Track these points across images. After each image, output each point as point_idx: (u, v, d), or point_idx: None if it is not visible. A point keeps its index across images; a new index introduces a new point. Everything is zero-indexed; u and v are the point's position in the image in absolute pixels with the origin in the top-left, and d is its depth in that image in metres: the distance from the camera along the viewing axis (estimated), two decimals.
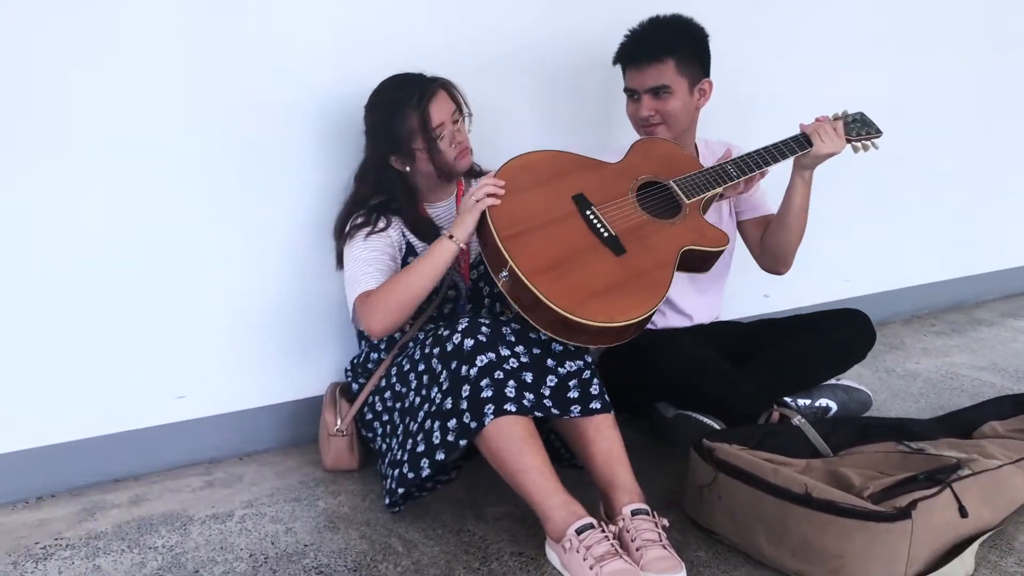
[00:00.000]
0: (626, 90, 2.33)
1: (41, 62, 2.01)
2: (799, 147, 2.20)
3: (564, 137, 2.36)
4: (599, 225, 2.01)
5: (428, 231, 2.15)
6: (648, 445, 2.38)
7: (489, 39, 2.53)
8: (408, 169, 2.09)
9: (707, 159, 2.40)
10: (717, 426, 2.22)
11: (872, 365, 2.91)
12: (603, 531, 1.71)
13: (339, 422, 2.25)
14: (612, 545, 1.69)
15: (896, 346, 3.23)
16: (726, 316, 2.68)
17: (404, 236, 2.16)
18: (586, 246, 1.97)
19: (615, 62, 2.35)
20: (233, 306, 2.34)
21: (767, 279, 2.60)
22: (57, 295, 2.15)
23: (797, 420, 2.14)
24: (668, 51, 2.23)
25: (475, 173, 2.27)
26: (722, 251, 2.10)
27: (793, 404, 2.35)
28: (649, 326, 2.42)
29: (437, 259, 1.97)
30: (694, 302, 2.51)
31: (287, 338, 2.41)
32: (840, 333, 2.39)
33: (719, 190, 2.14)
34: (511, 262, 1.88)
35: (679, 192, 2.11)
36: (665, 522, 1.81)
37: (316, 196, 2.32)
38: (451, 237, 1.96)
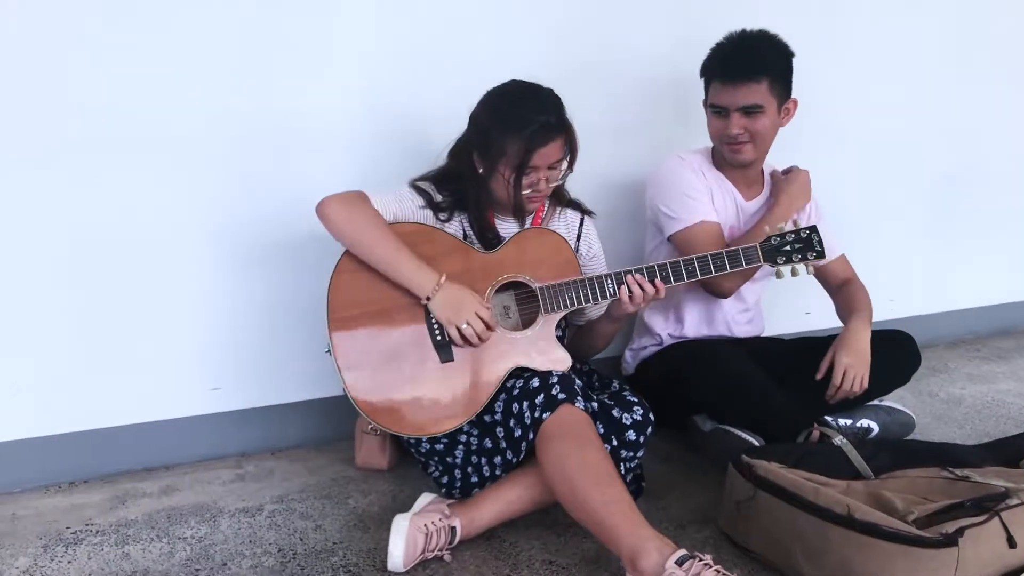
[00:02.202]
0: (712, 106, 2.25)
1: (39, 61, 2.03)
2: (700, 272, 2.02)
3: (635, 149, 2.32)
4: (436, 325, 1.93)
5: (489, 240, 2.07)
6: (683, 458, 2.35)
7: (560, 56, 2.51)
8: (481, 172, 2.01)
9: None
10: (756, 442, 2.17)
11: (915, 388, 2.85)
12: (702, 559, 1.61)
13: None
14: (718, 570, 1.60)
15: (940, 370, 3.16)
16: (767, 332, 2.63)
17: (463, 229, 2.08)
18: (414, 346, 1.92)
19: (702, 75, 2.28)
20: (270, 300, 2.34)
21: (809, 296, 2.55)
22: (99, 282, 2.16)
23: (839, 440, 2.07)
24: (763, 69, 2.17)
25: (569, 203, 2.21)
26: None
27: (834, 423, 2.29)
28: (689, 337, 2.41)
29: (405, 276, 1.91)
30: (742, 329, 2.49)
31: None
32: (885, 354, 2.31)
33: (585, 307, 2.04)
34: (332, 347, 1.89)
35: (541, 301, 1.99)
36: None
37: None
38: (428, 299, 1.91)
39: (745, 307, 2.50)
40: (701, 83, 2.33)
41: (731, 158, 2.29)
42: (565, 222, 2.19)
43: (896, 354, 2.38)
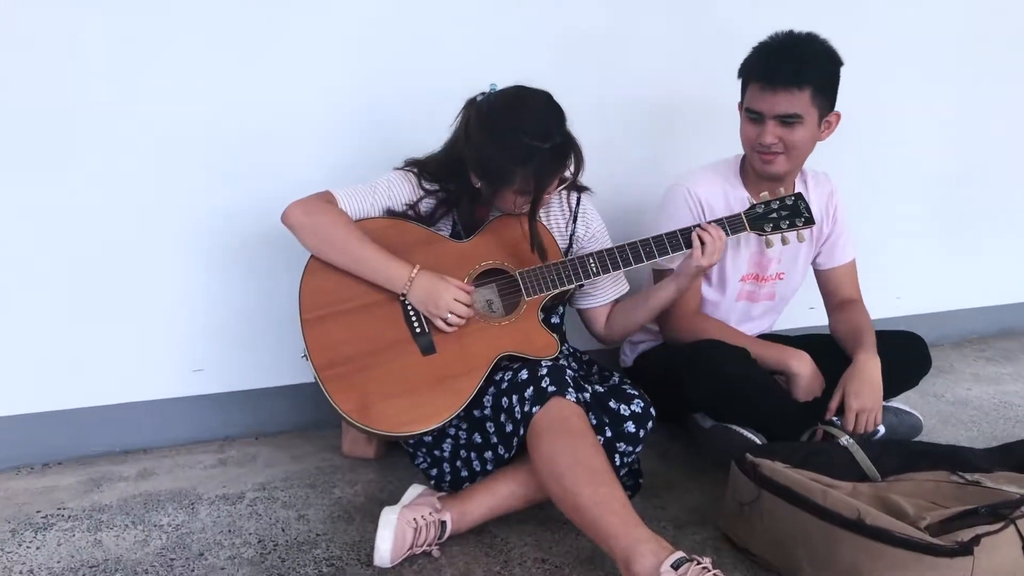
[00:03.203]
0: (747, 110, 2.10)
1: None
2: (680, 246, 1.99)
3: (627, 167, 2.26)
4: (414, 317, 1.88)
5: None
6: (682, 455, 2.28)
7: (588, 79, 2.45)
8: (479, 188, 1.91)
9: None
10: (758, 441, 2.09)
11: (920, 389, 2.75)
12: (699, 563, 1.53)
13: None
14: (716, 574, 1.52)
15: (945, 370, 3.08)
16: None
17: (452, 225, 2.02)
18: (392, 340, 1.86)
19: (740, 75, 2.13)
20: (256, 281, 2.26)
21: (813, 291, 2.47)
22: (77, 261, 2.09)
23: (845, 440, 2.01)
24: (807, 78, 2.01)
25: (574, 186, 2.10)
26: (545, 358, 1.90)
27: (838, 423, 2.19)
28: None
29: (377, 273, 1.86)
30: (745, 327, 2.38)
31: None
32: (894, 356, 2.22)
33: (570, 287, 1.98)
34: (306, 349, 1.82)
35: (522, 286, 1.94)
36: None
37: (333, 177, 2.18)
38: (403, 294, 1.87)
39: (755, 316, 2.43)
40: (703, 101, 2.28)
41: (760, 168, 2.15)
42: (559, 202, 2.10)
43: (906, 357, 2.29)
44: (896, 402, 2.36)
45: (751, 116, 2.10)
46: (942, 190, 3.14)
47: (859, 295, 2.39)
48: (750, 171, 2.23)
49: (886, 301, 3.11)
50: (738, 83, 2.15)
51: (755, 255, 2.31)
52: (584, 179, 2.02)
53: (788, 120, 2.04)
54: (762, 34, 2.09)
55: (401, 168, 2.00)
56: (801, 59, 2.02)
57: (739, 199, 2.23)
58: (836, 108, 2.11)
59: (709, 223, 2.00)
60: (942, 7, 2.96)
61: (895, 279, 3.13)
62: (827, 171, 2.34)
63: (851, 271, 2.40)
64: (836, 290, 2.38)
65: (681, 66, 2.58)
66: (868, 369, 2.12)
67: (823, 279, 2.41)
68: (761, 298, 2.38)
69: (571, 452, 1.68)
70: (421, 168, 1.98)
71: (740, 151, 2.24)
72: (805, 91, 2.01)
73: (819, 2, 2.61)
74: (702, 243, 1.96)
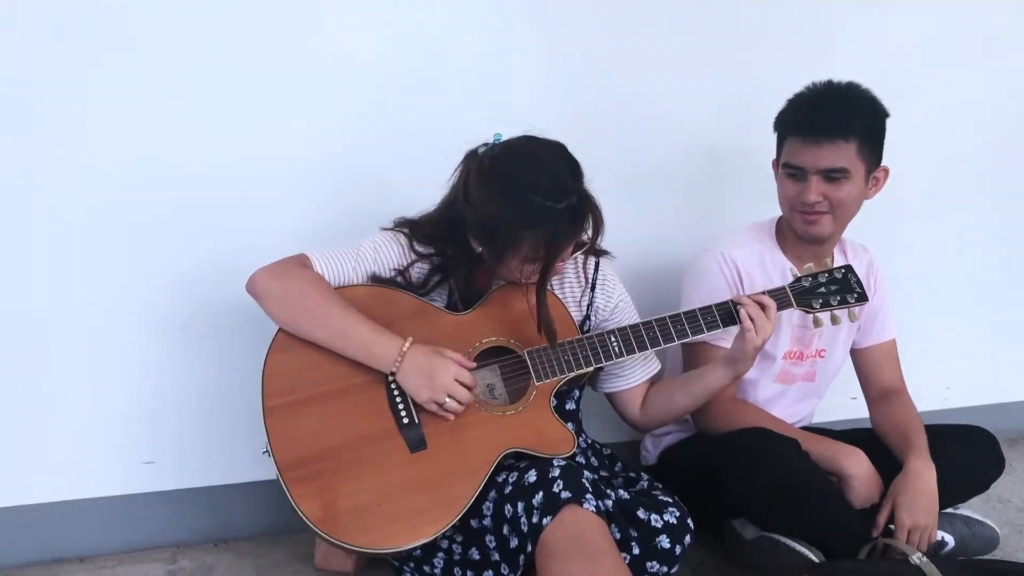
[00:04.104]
0: (786, 166, 1.92)
1: None
2: (717, 323, 1.77)
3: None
4: (401, 404, 1.61)
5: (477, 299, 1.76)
6: (719, 570, 1.99)
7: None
8: (480, 253, 1.66)
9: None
10: (813, 556, 1.80)
11: (983, 494, 2.44)
12: None
13: None
14: None
15: (1006, 471, 2.74)
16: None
17: (448, 295, 1.77)
18: (373, 433, 1.59)
19: (776, 128, 1.97)
20: (222, 360, 2.00)
21: (855, 379, 2.23)
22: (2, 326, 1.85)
23: (917, 558, 1.74)
24: (853, 128, 1.85)
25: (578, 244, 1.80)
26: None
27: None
28: None
29: (361, 347, 1.58)
30: (789, 410, 2.14)
31: None
32: (961, 455, 1.99)
33: (588, 371, 1.72)
34: (268, 443, 1.55)
35: (532, 368, 1.68)
36: None
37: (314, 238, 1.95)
38: (392, 373, 1.59)
39: (797, 399, 2.18)
40: (741, 156, 2.12)
41: (803, 231, 1.94)
42: (575, 268, 1.84)
43: (975, 457, 2.05)
44: (966, 509, 2.10)
45: (791, 172, 1.92)
46: (992, 268, 2.87)
47: (903, 384, 2.16)
48: (788, 233, 2.03)
49: (933, 392, 2.83)
50: (774, 137, 1.98)
51: (798, 329, 2.08)
52: (603, 243, 1.77)
53: (834, 175, 1.87)
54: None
55: (390, 228, 1.74)
56: (846, 109, 1.88)
57: (777, 264, 2.03)
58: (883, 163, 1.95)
59: (753, 295, 1.77)
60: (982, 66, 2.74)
61: (942, 367, 2.84)
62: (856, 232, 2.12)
63: (892, 352, 2.18)
64: (876, 374, 2.16)
65: (715, 119, 2.36)
66: (923, 478, 1.87)
67: (861, 360, 2.19)
68: (798, 379, 2.14)
69: None
70: (413, 229, 1.72)
71: (778, 213, 2.05)
72: (852, 143, 1.86)
73: (865, 61, 2.38)
74: (751, 318, 1.71)
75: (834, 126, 1.85)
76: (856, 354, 2.19)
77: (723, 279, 1.99)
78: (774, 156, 1.99)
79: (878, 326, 2.14)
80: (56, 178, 1.84)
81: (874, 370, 2.16)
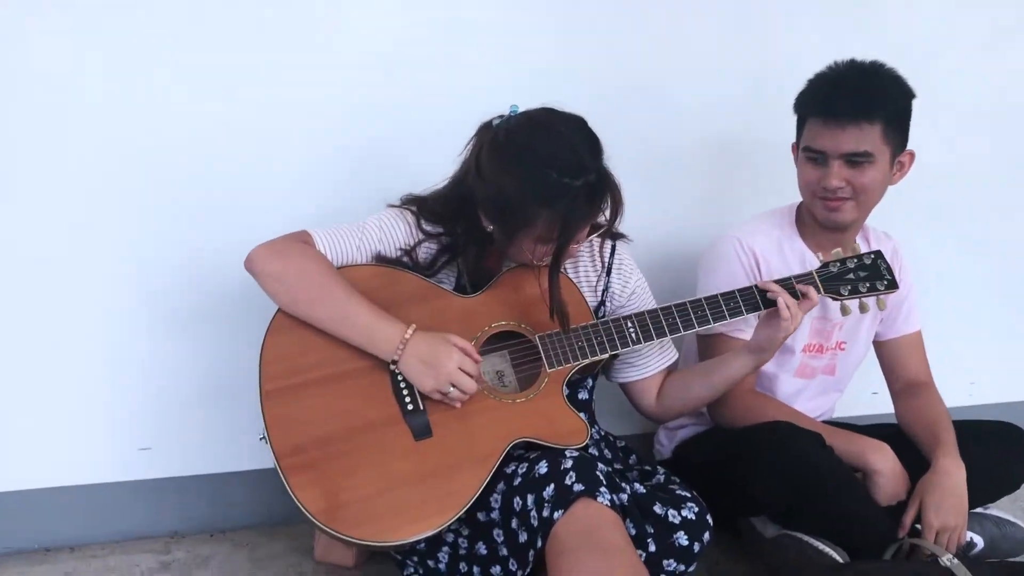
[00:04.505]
0: (807, 150, 1.85)
1: None
2: (740, 310, 1.70)
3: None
4: (405, 390, 1.53)
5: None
6: (736, 571, 1.92)
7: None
8: (490, 232, 1.58)
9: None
10: (838, 556, 1.74)
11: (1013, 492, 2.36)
12: None
13: None
14: None
15: None
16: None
17: (456, 276, 1.69)
18: (377, 419, 1.51)
19: (796, 110, 1.89)
20: (221, 344, 1.94)
21: (875, 373, 2.16)
22: None
23: (947, 559, 1.67)
24: (877, 110, 1.77)
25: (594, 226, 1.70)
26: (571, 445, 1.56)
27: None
28: None
29: (361, 333, 1.50)
30: (809, 404, 2.06)
31: None
32: (991, 453, 1.91)
33: (603, 358, 1.64)
34: (265, 428, 1.46)
35: (543, 354, 1.61)
36: None
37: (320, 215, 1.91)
38: (394, 361, 1.51)
39: (821, 392, 2.11)
40: (763, 140, 2.09)
41: (824, 217, 1.87)
42: (590, 251, 1.76)
43: (1006, 454, 1.96)
44: (996, 509, 2.01)
45: (811, 156, 1.84)
46: (1019, 256, 2.78)
47: (930, 376, 2.09)
48: (808, 220, 1.96)
49: (957, 387, 2.74)
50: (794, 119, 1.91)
51: (817, 321, 2.00)
52: (621, 227, 1.68)
53: (856, 160, 1.79)
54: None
55: (397, 206, 1.65)
56: (870, 89, 1.79)
57: (796, 251, 1.96)
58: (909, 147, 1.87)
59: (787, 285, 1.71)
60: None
61: (968, 361, 2.76)
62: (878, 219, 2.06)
63: (917, 344, 2.10)
64: (901, 367, 2.09)
65: (737, 100, 2.28)
66: (952, 477, 1.79)
67: (885, 352, 2.11)
68: (818, 372, 2.07)
69: (605, 575, 1.34)
70: (421, 206, 1.64)
71: (796, 200, 1.99)
72: (876, 125, 1.78)
73: (894, 40, 2.29)
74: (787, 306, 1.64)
75: (857, 107, 1.77)
76: (880, 346, 2.11)
77: (740, 266, 1.92)
78: (794, 140, 1.91)
79: (902, 317, 2.07)
80: (51, 163, 1.78)
81: (899, 362, 2.09)
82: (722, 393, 1.78)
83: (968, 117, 2.54)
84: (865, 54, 1.85)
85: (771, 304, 1.65)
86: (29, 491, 1.85)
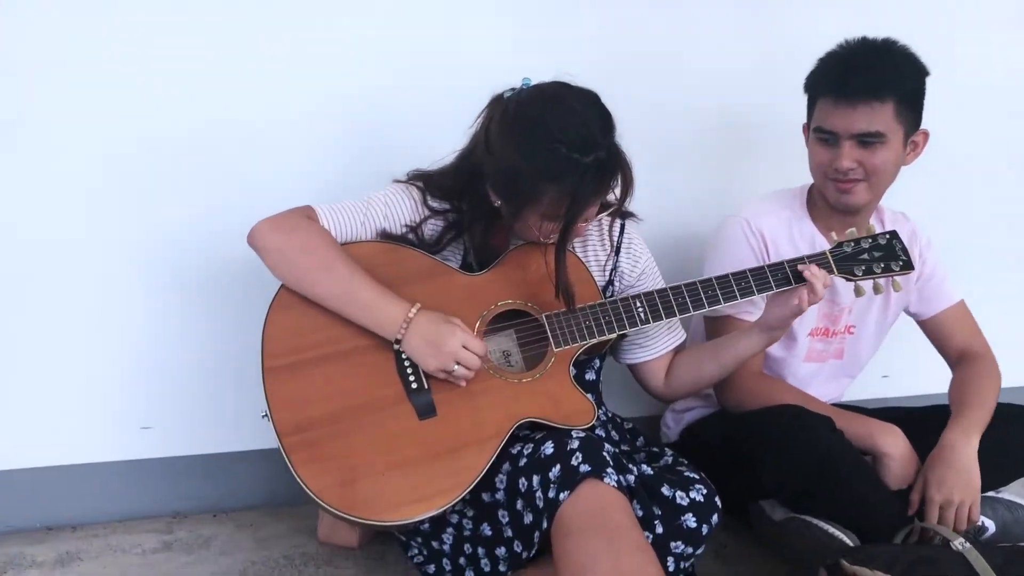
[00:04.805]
0: (817, 130, 1.81)
1: None
2: (751, 289, 1.66)
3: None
4: (410, 368, 1.50)
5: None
6: (744, 554, 1.90)
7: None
8: (497, 207, 1.56)
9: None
10: (848, 540, 1.71)
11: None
12: None
13: None
14: None
15: None
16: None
17: (463, 253, 1.67)
18: (381, 398, 1.48)
19: (807, 90, 1.86)
20: (224, 321, 1.91)
21: (886, 356, 2.16)
22: None
23: (958, 543, 1.64)
24: (890, 88, 1.73)
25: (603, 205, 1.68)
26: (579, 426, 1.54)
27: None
28: None
29: (365, 312, 1.48)
30: (819, 390, 2.02)
31: None
32: (1005, 433, 1.87)
33: (611, 337, 1.62)
34: (267, 406, 1.45)
35: (550, 333, 1.58)
36: None
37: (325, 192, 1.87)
38: (398, 340, 1.48)
39: (834, 377, 2.08)
40: (776, 118, 2.04)
41: (836, 200, 1.83)
42: (599, 230, 1.73)
43: (1018, 436, 1.91)
44: (1008, 493, 1.97)
45: (822, 137, 1.80)
46: None
47: (983, 346, 2.04)
48: (819, 202, 1.92)
49: None
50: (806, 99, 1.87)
51: (824, 304, 1.97)
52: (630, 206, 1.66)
53: (868, 140, 1.76)
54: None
55: (403, 181, 1.62)
56: (881, 67, 1.76)
57: (805, 234, 1.93)
58: (923, 126, 1.83)
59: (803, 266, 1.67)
60: None
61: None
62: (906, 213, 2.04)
63: (960, 315, 2.05)
64: (948, 341, 2.05)
65: (748, 78, 2.25)
66: (956, 452, 1.76)
67: (929, 331, 2.08)
68: (829, 357, 2.04)
69: (611, 557, 1.31)
70: (427, 182, 1.61)
71: (807, 182, 1.95)
72: (888, 104, 1.74)
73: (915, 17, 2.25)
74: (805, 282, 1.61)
75: (869, 86, 1.73)
76: (924, 327, 2.08)
77: (749, 248, 1.89)
78: (804, 120, 1.87)
79: (933, 293, 2.04)
80: (53, 141, 1.76)
81: (946, 337, 2.05)
82: (731, 371, 1.75)
83: (990, 88, 2.48)
84: (885, 32, 1.81)
85: (783, 283, 1.63)
86: (31, 469, 1.84)
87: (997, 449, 1.84)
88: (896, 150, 1.78)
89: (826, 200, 1.87)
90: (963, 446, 1.76)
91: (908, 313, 2.06)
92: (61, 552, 1.74)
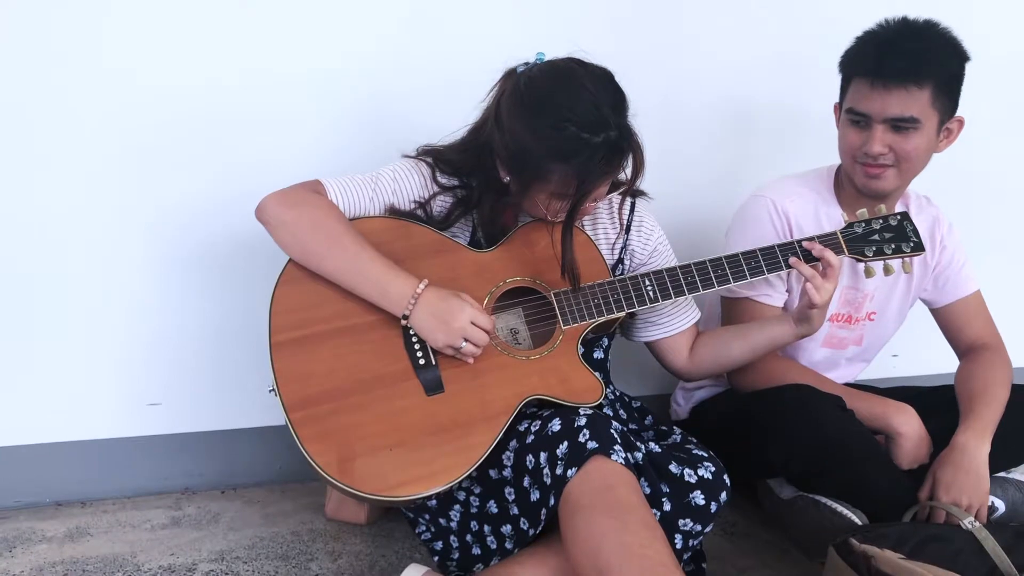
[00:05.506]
0: (849, 111, 1.75)
1: None
2: (761, 269, 1.63)
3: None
4: (417, 344, 1.49)
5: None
6: (752, 532, 1.88)
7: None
8: (507, 183, 1.53)
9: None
10: (856, 519, 1.69)
11: None
12: None
13: None
14: None
15: None
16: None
17: (471, 231, 1.65)
18: (388, 374, 1.47)
19: (841, 69, 1.80)
20: (233, 297, 1.90)
21: (896, 336, 2.10)
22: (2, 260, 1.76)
23: (968, 522, 1.61)
24: (928, 73, 1.67)
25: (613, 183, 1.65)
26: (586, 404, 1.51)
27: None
28: None
29: (373, 287, 1.46)
30: (834, 373, 2.00)
31: None
32: (1013, 415, 1.84)
33: (619, 316, 1.59)
34: (275, 381, 1.43)
35: (558, 311, 1.56)
36: None
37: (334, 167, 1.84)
38: (405, 316, 1.46)
39: (849, 360, 2.06)
40: (790, 102, 2.06)
41: (863, 184, 1.78)
42: (609, 208, 1.71)
43: None
44: (1017, 473, 1.94)
45: (854, 119, 1.74)
46: None
47: (995, 338, 1.99)
48: (847, 186, 1.86)
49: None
50: (835, 81, 1.80)
51: (847, 291, 1.93)
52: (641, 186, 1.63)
53: (901, 125, 1.69)
54: (867, 25, 1.74)
55: (412, 156, 1.60)
56: (921, 51, 1.68)
57: (832, 218, 1.86)
58: (959, 113, 1.76)
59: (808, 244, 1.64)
60: None
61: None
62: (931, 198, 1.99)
63: (975, 306, 2.01)
64: (960, 332, 2.00)
65: (764, 59, 2.21)
66: (967, 455, 1.72)
67: (941, 320, 2.03)
68: (849, 343, 2.01)
69: (618, 534, 1.29)
70: (437, 157, 1.58)
71: (835, 163, 1.89)
72: (925, 90, 1.67)
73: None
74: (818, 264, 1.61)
75: (906, 70, 1.67)
76: (936, 314, 2.04)
77: (773, 228, 1.85)
78: (837, 100, 1.81)
79: (951, 281, 1.99)
80: (64, 115, 1.74)
81: (958, 328, 2.01)
82: (762, 356, 1.73)
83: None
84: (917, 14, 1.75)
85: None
86: (40, 445, 1.83)
87: (1007, 431, 1.82)
88: (929, 137, 1.72)
89: (853, 184, 1.82)
90: (975, 448, 1.73)
91: (922, 300, 2.02)
92: (71, 527, 1.73)
